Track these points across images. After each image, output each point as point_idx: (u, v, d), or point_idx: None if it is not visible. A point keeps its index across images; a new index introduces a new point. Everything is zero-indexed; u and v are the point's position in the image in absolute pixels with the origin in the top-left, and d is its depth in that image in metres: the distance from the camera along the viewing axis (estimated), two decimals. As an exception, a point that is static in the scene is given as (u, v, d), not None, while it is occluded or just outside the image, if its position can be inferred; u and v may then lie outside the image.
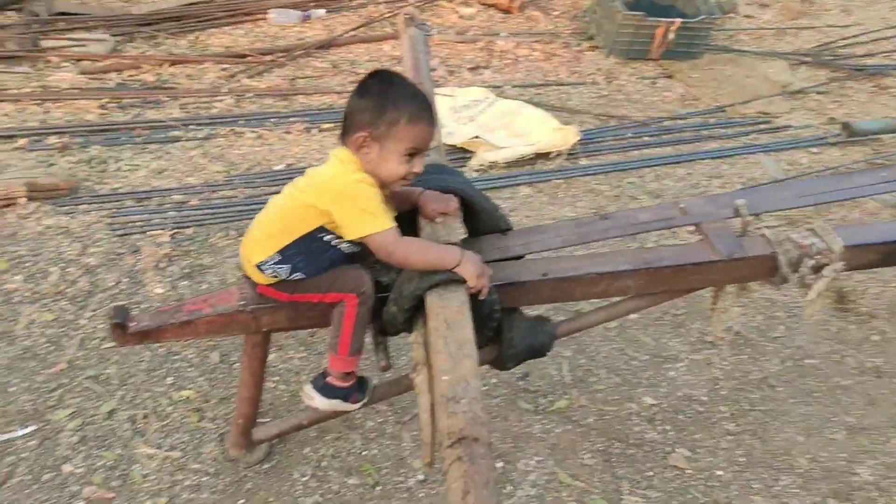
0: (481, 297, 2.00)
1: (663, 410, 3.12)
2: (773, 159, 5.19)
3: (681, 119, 5.73)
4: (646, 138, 5.40)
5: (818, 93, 6.30)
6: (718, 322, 2.60)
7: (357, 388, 2.35)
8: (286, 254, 2.06)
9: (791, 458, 2.96)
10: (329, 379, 2.28)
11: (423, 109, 1.99)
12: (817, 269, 2.32)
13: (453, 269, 1.97)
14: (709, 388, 3.26)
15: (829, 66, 6.82)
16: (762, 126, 5.70)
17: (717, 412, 3.15)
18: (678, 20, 6.39)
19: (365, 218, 1.94)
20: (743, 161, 5.15)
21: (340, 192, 1.95)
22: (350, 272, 2.14)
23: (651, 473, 2.85)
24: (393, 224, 1.97)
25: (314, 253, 2.07)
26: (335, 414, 2.45)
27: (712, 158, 5.15)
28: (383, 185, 2.04)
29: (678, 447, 2.96)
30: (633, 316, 3.55)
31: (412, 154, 1.99)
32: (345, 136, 2.01)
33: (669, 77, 6.44)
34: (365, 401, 2.39)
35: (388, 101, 1.94)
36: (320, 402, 2.31)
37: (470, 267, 1.97)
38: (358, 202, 1.94)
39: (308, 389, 2.32)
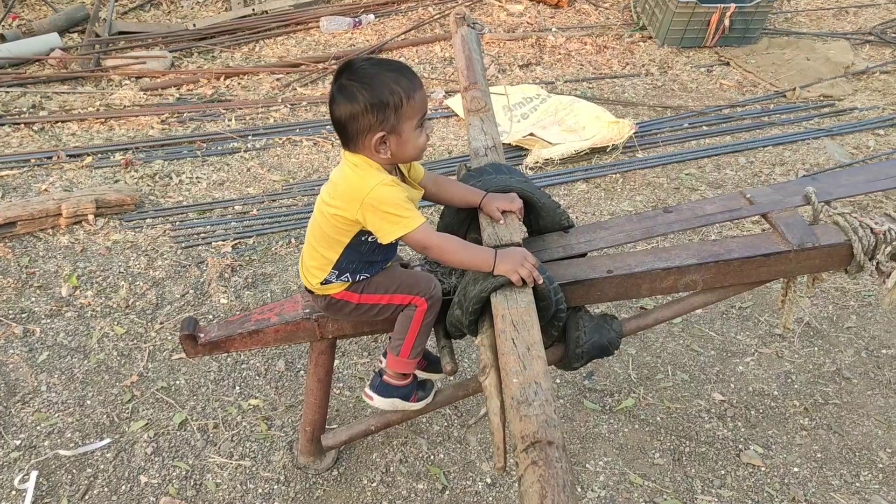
0: (530, 286, 1.94)
1: (733, 406, 3.05)
2: (837, 143, 5.03)
3: (739, 106, 5.60)
4: (704, 128, 5.30)
5: (883, 72, 6.10)
6: (789, 314, 2.53)
7: (418, 388, 2.36)
8: (340, 266, 2.07)
9: (871, 453, 2.86)
10: (385, 378, 2.30)
11: (409, 76, 1.89)
12: (895, 256, 2.24)
13: (493, 273, 1.94)
14: (780, 382, 3.17)
15: (893, 44, 6.59)
16: (825, 110, 5.54)
17: (791, 406, 3.06)
18: (733, 5, 6.26)
19: (393, 220, 1.91)
20: (806, 147, 5.01)
21: (363, 201, 1.90)
22: (419, 275, 2.15)
23: (724, 472, 2.78)
24: (421, 220, 1.94)
25: (365, 255, 2.07)
26: (399, 415, 2.45)
27: (774, 145, 5.03)
28: (410, 161, 2.04)
29: (751, 444, 2.89)
30: (698, 311, 3.48)
31: (423, 122, 1.95)
32: (352, 145, 1.93)
33: (726, 64, 6.31)
34: (428, 400, 2.39)
35: (381, 91, 1.84)
36: (379, 402, 2.34)
37: (502, 266, 1.92)
38: (383, 207, 1.90)
39: (367, 390, 2.35)
